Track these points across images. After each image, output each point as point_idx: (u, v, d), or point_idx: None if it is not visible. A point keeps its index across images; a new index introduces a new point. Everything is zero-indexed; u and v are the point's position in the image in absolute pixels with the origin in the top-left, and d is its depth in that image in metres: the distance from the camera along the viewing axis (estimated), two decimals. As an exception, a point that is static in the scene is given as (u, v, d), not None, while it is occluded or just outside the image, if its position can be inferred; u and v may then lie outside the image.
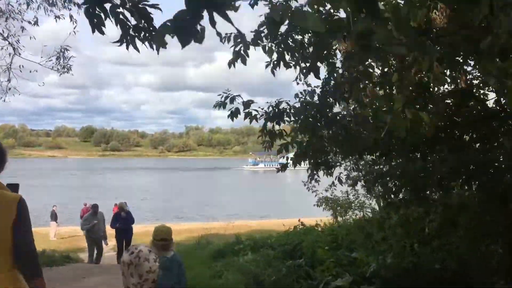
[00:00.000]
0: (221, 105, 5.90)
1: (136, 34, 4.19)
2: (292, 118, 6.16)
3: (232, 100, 5.86)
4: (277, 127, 6.21)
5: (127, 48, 4.19)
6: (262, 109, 6.08)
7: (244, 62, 5.19)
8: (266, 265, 7.69)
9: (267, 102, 6.13)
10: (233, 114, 5.89)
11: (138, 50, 4.30)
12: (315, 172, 6.78)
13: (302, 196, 51.32)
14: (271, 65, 5.44)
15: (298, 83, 7.56)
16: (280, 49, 5.13)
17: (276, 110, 6.07)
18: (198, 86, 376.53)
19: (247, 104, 5.88)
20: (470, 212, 6.25)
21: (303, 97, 7.10)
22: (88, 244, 14.23)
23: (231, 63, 5.27)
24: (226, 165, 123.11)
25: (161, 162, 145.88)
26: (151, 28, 4.17)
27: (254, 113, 5.98)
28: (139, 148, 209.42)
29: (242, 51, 4.99)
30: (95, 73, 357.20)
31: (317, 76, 5.09)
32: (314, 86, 6.66)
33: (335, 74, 5.10)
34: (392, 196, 6.79)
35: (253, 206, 42.95)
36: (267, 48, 5.10)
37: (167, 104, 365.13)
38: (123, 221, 13.67)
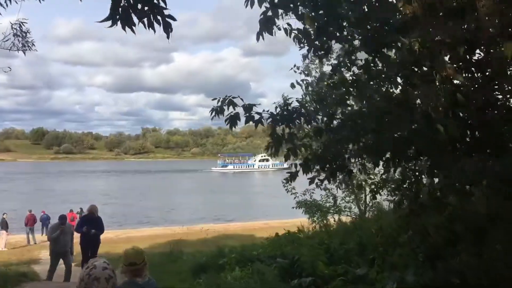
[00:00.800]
0: (218, 111, 4.89)
1: (131, 5, 3.07)
2: (303, 119, 5.21)
3: (231, 103, 4.86)
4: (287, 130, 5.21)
5: (123, 27, 3.08)
6: (267, 111, 5.12)
7: (270, 32, 4.25)
8: (265, 285, 6.66)
9: (274, 103, 5.21)
10: (233, 120, 4.93)
11: (133, 31, 3.17)
12: (323, 179, 5.75)
13: (270, 199, 51.13)
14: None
15: (295, 71, 6.62)
16: (321, 14, 4.12)
17: (285, 111, 5.10)
18: (155, 87, 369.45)
19: (248, 107, 4.89)
20: (505, 222, 5.50)
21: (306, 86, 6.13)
22: (51, 258, 12.25)
23: (259, 35, 4.32)
24: (194, 167, 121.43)
25: (119, 165, 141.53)
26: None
27: (257, 116, 4.97)
28: (94, 150, 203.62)
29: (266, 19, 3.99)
30: (45, 73, 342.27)
31: (378, 49, 4.05)
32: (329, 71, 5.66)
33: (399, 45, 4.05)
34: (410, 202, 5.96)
35: (219, 209, 41.93)
36: (304, 15, 4.08)
37: (123, 105, 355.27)
38: (93, 226, 11.79)
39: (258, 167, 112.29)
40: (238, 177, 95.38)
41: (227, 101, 4.85)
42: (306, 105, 5.63)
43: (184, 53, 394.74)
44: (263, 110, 5.13)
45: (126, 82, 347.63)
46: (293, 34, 4.74)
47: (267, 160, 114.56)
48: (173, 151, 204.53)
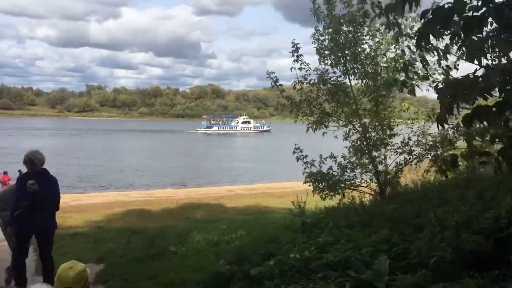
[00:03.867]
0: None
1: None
2: None
3: None
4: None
5: None
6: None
7: None
8: None
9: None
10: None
11: None
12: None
13: (242, 163, 49.42)
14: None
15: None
16: None
17: None
18: (101, 43, 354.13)
19: None
20: None
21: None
22: (9, 244, 7.89)
23: None
24: (176, 128, 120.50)
25: (66, 123, 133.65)
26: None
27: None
28: (35, 107, 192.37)
29: None
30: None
31: None
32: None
33: None
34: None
35: (187, 173, 40.20)
36: None
37: (67, 61, 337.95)
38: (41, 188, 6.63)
39: (241, 129, 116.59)
40: (222, 138, 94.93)
41: None
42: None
43: (133, 8, 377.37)
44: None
45: (71, 36, 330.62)
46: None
47: (249, 122, 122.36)
48: (119, 110, 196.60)
